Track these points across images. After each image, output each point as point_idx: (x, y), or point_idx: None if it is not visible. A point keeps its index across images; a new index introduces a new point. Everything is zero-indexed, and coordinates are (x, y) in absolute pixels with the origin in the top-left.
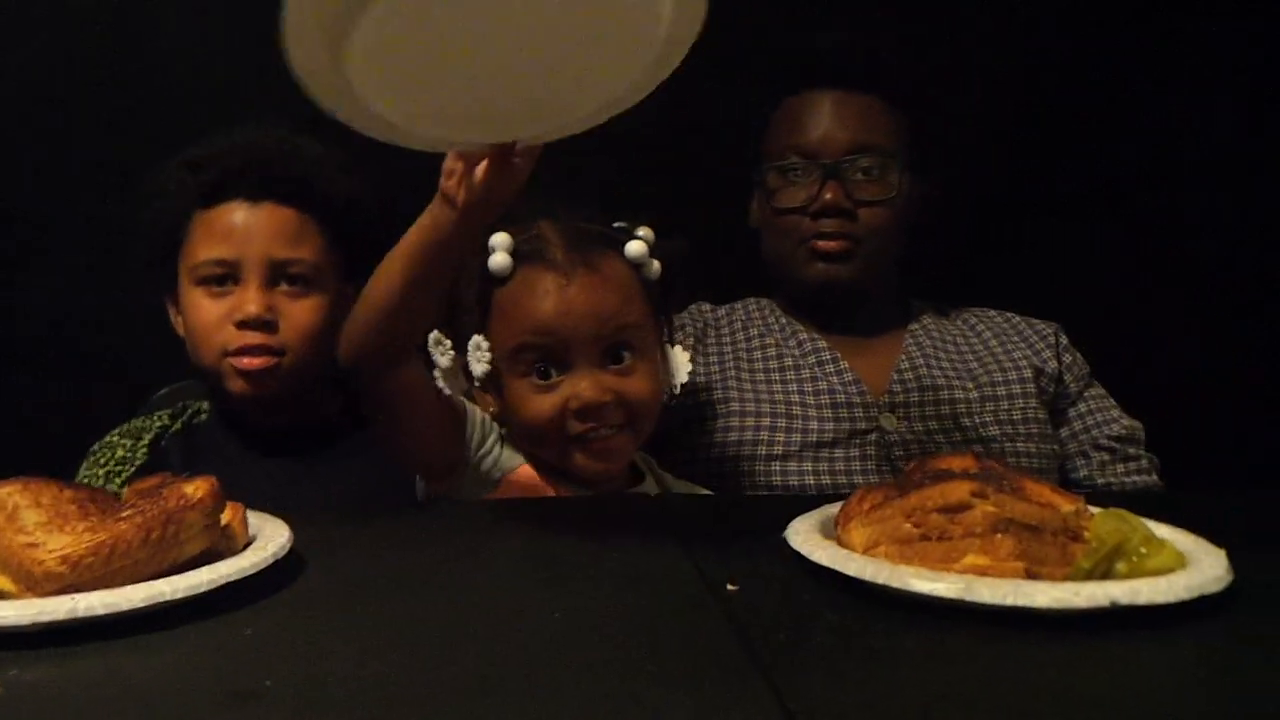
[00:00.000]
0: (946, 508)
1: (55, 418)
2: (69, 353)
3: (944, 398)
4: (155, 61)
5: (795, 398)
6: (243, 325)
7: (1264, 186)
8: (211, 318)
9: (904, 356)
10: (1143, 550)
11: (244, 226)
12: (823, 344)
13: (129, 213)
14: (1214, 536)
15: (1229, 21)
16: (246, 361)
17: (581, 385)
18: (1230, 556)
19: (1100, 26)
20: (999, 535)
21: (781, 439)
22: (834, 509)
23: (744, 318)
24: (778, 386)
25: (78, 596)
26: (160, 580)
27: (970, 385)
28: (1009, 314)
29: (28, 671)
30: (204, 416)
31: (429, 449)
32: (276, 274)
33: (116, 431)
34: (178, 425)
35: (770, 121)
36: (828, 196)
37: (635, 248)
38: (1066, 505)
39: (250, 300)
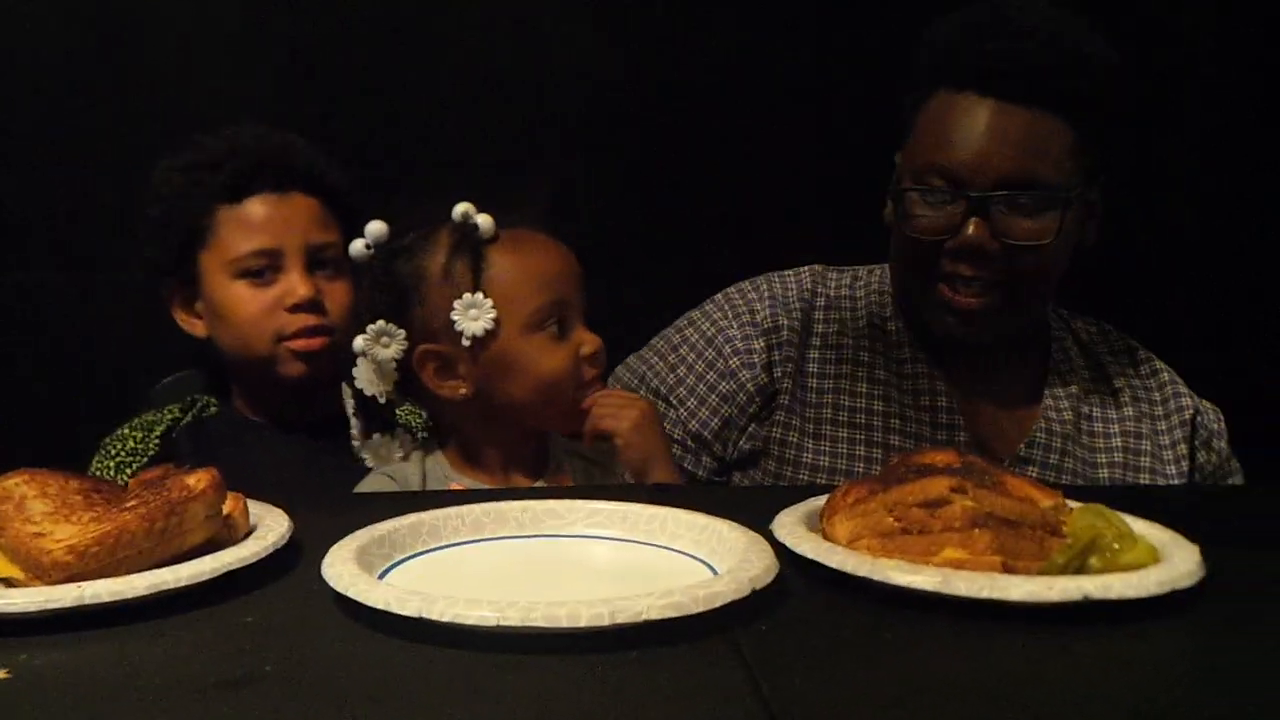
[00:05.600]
0: (927, 502)
1: (64, 410)
2: (75, 346)
3: None
4: (142, 65)
5: (878, 451)
6: (295, 309)
7: None
8: (259, 307)
9: (1039, 431)
10: (1116, 545)
11: (279, 216)
12: (940, 385)
13: (123, 210)
14: (1188, 532)
15: None
16: (303, 343)
17: (588, 335)
18: (1203, 552)
19: None
20: (977, 530)
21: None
22: (819, 502)
23: (865, 303)
24: (860, 417)
25: (84, 584)
26: (164, 569)
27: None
28: (1161, 375)
29: (35, 656)
30: (213, 410)
31: None
32: (312, 260)
33: (127, 424)
34: (188, 418)
35: (917, 114)
36: (969, 232)
37: None
38: (1045, 500)
39: (299, 284)
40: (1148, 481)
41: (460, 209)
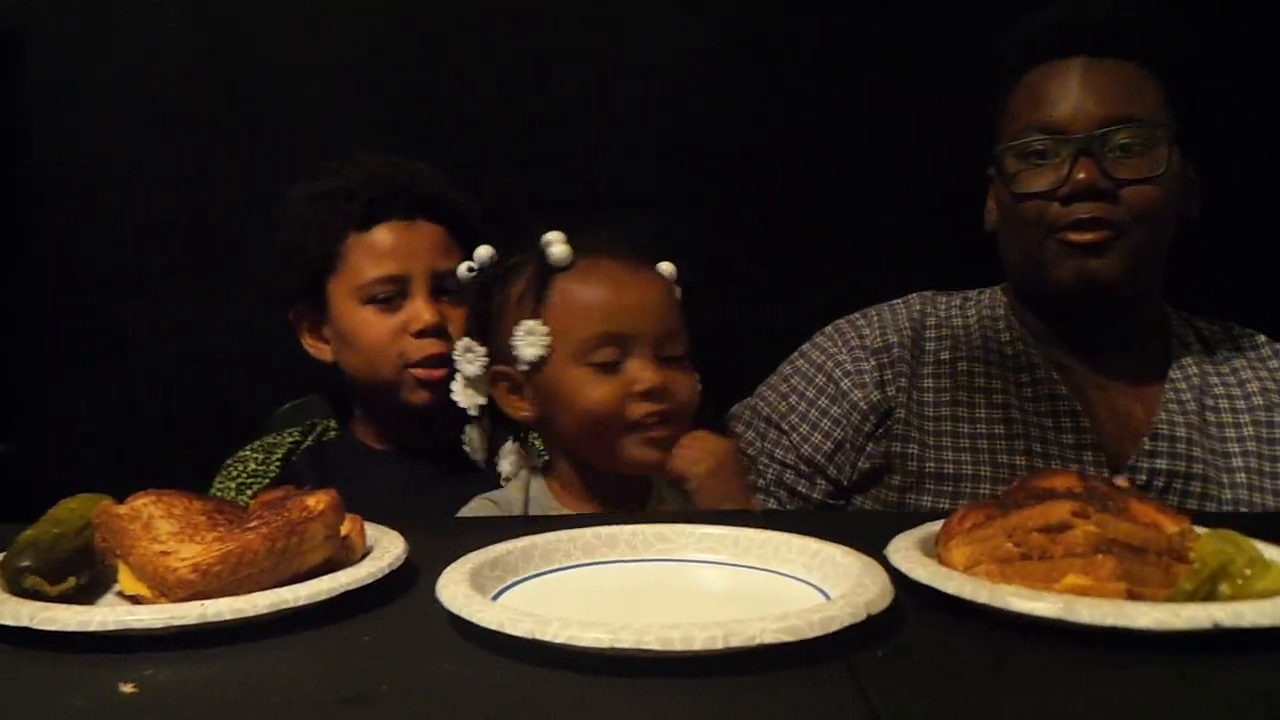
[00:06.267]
0: (1048, 527)
1: (188, 432)
2: (200, 370)
3: (1193, 489)
4: (267, 92)
5: (1003, 456)
6: (420, 334)
7: None
8: (384, 332)
9: (1162, 420)
10: (1248, 572)
11: (406, 244)
12: (1061, 389)
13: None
14: None
15: None
16: (424, 373)
17: (645, 371)
18: None
19: None
20: (1100, 555)
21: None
22: (935, 526)
23: (978, 319)
24: (981, 427)
25: (207, 602)
26: (284, 588)
27: (1224, 485)
28: None
29: (160, 671)
30: (333, 434)
31: None
32: (437, 286)
33: (249, 447)
34: (309, 441)
35: (1007, 102)
36: (1080, 176)
37: (667, 268)
38: (1172, 526)
39: (424, 310)
40: None
41: (545, 237)
